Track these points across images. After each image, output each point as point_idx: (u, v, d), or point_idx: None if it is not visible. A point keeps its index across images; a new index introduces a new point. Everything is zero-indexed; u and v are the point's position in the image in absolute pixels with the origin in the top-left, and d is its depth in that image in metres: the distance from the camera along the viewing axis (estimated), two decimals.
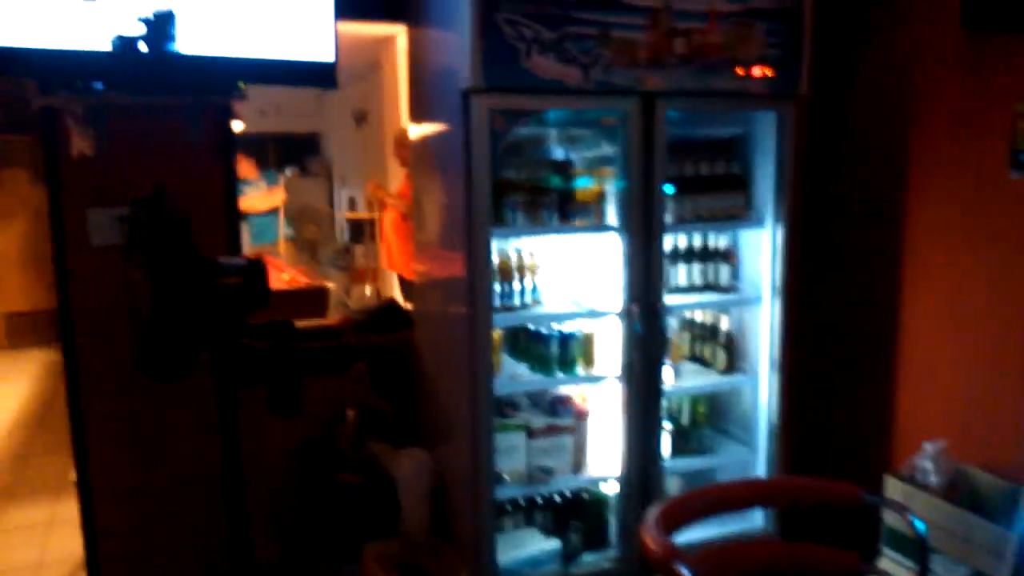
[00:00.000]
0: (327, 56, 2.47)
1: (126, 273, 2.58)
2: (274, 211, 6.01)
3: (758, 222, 2.82)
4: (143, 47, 2.23)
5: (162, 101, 2.48)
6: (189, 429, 2.66)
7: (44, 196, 5.32)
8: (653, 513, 1.77)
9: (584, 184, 2.68)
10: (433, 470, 2.80)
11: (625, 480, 2.71)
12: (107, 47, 2.19)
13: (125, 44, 2.21)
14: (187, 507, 2.74)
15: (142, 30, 2.22)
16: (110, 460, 2.70)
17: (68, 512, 3.51)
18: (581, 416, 2.78)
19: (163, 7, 2.23)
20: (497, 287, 2.61)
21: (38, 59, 2.13)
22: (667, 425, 2.83)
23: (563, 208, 2.65)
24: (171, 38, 2.27)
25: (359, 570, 2.72)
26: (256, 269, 2.12)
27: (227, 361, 2.27)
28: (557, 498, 2.79)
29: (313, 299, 4.18)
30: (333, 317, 3.80)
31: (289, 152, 9.48)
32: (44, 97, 2.40)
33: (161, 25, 2.24)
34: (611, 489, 2.81)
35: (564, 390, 2.85)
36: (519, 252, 2.70)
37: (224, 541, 2.24)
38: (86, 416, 2.66)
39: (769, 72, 2.58)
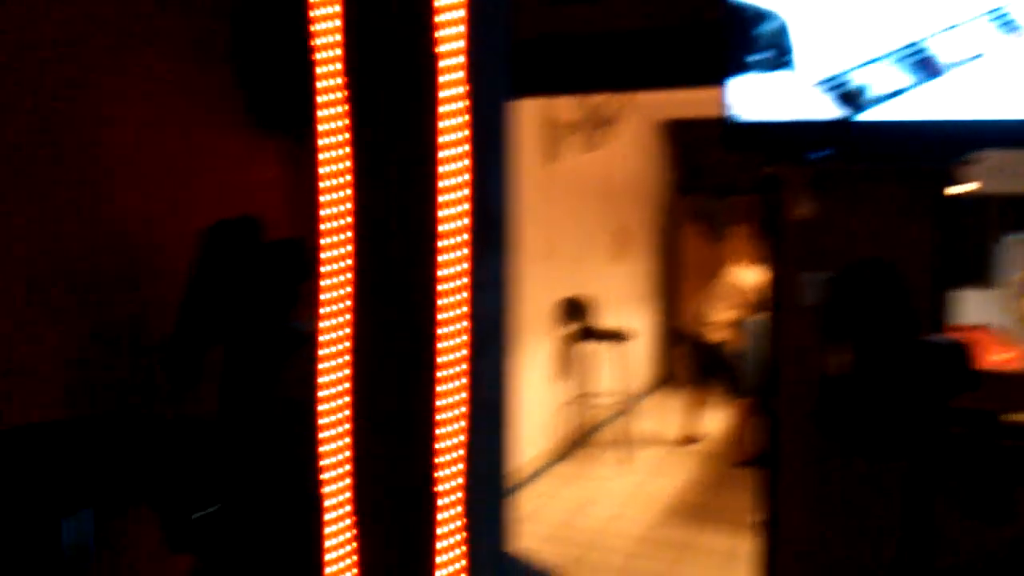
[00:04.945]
0: None
1: (824, 336, 2.64)
2: None
3: None
4: (865, 117, 2.24)
5: (876, 168, 2.46)
6: (875, 507, 2.56)
7: (754, 251, 5.77)
8: None
9: None
10: None
11: None
12: (827, 118, 2.27)
13: (846, 118, 2.26)
14: None
15: (866, 99, 2.23)
16: (795, 512, 2.77)
17: (746, 548, 3.76)
18: None
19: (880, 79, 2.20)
20: None
21: (767, 133, 2.33)
22: None
23: None
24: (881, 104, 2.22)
25: None
26: (958, 352, 1.91)
27: (923, 445, 2.09)
28: None
29: None
30: None
31: None
32: (769, 166, 2.64)
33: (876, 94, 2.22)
34: None
35: None
36: None
37: None
38: (780, 463, 2.79)
39: None
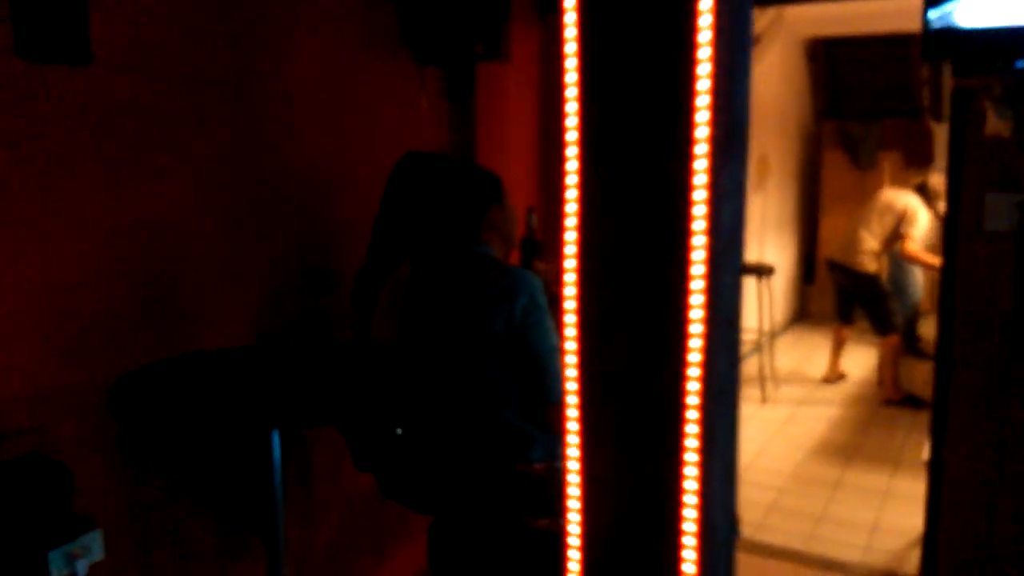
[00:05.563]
0: None
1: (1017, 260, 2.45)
2: None
3: None
4: None
5: None
6: None
7: (907, 178, 5.39)
8: None
9: None
10: None
11: None
12: None
13: None
14: None
15: None
16: (967, 451, 2.63)
17: (904, 488, 3.63)
18: None
19: None
20: None
21: (974, 41, 2.13)
22: None
23: None
24: None
25: None
26: None
27: None
28: None
29: None
30: None
31: None
32: (960, 79, 2.42)
33: None
34: None
35: None
36: None
37: None
38: (951, 401, 2.64)
39: None
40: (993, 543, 2.63)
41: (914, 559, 2.93)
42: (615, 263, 0.99)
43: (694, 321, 0.94)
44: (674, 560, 0.98)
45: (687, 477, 0.96)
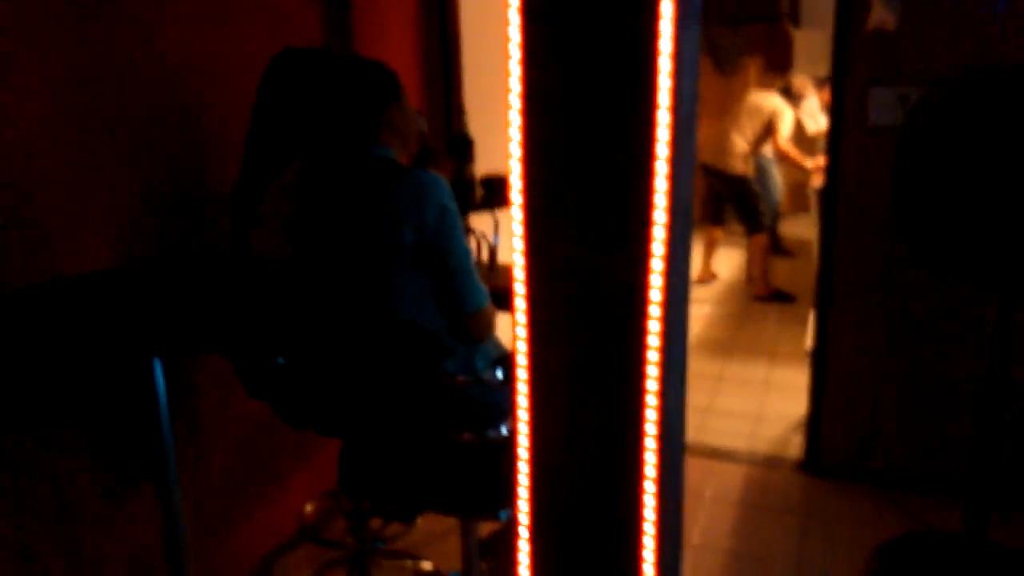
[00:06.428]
0: None
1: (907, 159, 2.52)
2: None
3: None
4: None
5: None
6: (943, 327, 2.57)
7: (768, 81, 5.52)
8: None
9: None
10: None
11: None
12: None
13: None
14: (929, 407, 2.67)
15: None
16: (848, 338, 2.77)
17: (782, 377, 3.84)
18: None
19: None
20: None
21: None
22: None
23: None
24: None
25: None
26: None
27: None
28: None
29: None
30: None
31: None
32: None
33: None
34: None
35: None
36: None
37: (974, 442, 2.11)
38: (834, 292, 2.75)
39: None
40: (874, 425, 2.80)
41: (797, 443, 3.10)
42: (568, 137, 0.88)
43: (658, 208, 0.85)
44: (635, 466, 0.93)
45: (649, 377, 0.90)
